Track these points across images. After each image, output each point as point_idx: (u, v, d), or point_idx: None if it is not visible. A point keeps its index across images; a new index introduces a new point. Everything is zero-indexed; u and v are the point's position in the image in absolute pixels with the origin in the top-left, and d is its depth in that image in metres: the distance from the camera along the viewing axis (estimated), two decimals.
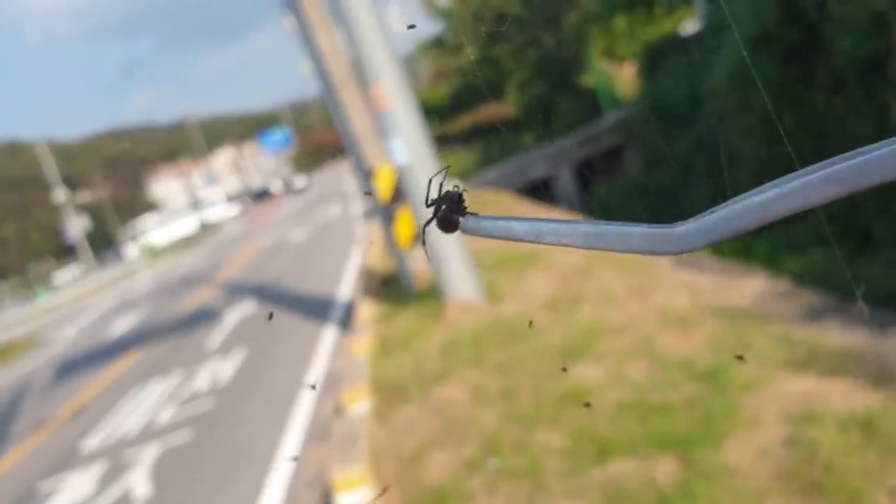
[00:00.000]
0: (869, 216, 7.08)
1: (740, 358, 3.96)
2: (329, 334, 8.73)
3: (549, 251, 8.40)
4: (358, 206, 22.25)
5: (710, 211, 0.53)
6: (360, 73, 7.09)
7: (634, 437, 3.74)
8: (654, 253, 0.56)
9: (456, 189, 0.72)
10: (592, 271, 7.13)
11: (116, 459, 6.74)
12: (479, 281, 7.28)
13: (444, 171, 0.75)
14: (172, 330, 13.27)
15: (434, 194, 0.73)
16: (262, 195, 53.84)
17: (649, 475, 3.38)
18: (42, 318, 31.55)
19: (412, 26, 1.06)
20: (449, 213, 0.71)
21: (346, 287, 11.32)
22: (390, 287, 9.30)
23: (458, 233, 0.70)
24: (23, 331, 27.63)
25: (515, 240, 0.63)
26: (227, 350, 9.78)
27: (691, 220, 0.54)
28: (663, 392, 4.11)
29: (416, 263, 8.27)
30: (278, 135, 62.53)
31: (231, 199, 56.00)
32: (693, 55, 12.31)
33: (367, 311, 8.54)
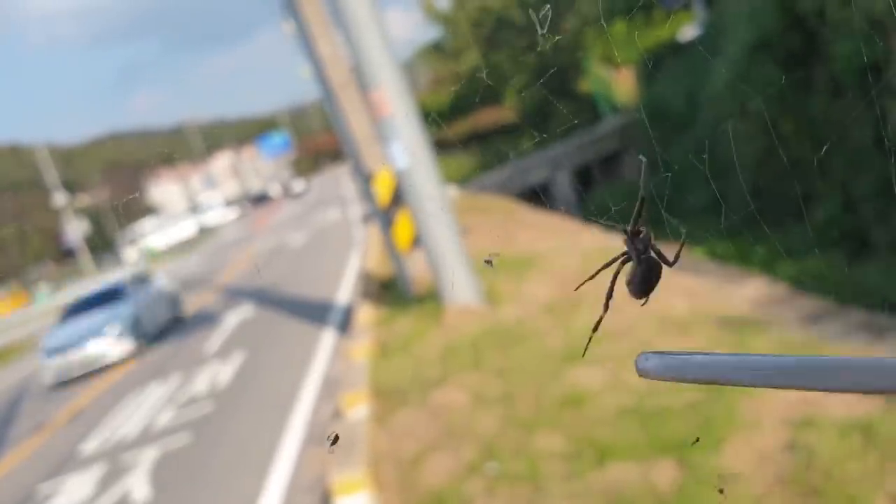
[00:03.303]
0: (867, 222, 7.09)
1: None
2: (328, 338, 8.72)
3: (548, 254, 8.41)
4: (357, 209, 22.25)
5: None
6: (360, 78, 7.11)
7: (634, 441, 3.75)
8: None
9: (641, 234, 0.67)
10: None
11: (115, 462, 6.73)
12: (479, 284, 7.29)
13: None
14: (172, 333, 13.28)
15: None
16: (260, 199, 53.83)
17: (648, 479, 3.39)
18: (41, 320, 31.46)
19: None
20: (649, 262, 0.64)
21: (344, 291, 11.32)
22: (389, 291, 9.30)
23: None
24: (22, 333, 27.56)
25: (716, 383, 0.55)
26: (226, 353, 9.77)
27: None
28: (662, 397, 4.11)
29: (415, 267, 8.28)
30: (277, 139, 62.57)
31: (230, 203, 55.95)
32: (692, 60, 12.32)
33: (366, 314, 8.53)
